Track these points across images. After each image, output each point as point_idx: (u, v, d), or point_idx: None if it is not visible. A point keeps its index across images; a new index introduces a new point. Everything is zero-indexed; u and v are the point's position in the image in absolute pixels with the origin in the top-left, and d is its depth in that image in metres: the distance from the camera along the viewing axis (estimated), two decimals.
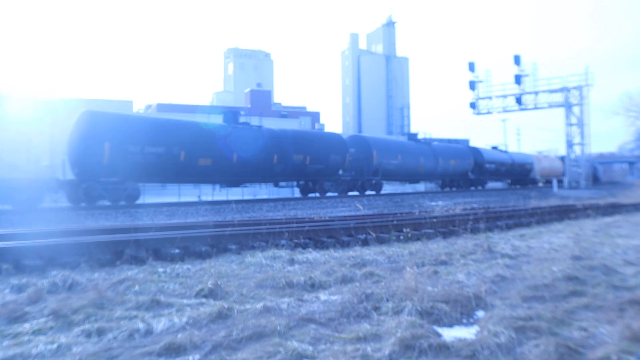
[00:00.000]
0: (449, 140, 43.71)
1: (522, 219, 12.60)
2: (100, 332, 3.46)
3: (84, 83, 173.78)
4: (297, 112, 58.11)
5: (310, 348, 3.17)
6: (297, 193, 28.45)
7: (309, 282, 4.99)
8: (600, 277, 5.17)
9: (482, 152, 38.50)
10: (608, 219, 12.76)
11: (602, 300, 4.27)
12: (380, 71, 74.36)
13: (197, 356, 3.03)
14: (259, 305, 4.05)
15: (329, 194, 25.11)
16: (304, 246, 7.84)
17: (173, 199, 24.88)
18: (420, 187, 40.66)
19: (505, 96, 42.21)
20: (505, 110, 43.09)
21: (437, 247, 7.65)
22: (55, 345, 3.18)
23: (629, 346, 3.10)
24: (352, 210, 17.02)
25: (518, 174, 43.78)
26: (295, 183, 25.45)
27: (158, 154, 18.09)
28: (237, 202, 19.75)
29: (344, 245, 8.22)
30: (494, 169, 39.50)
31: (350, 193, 26.66)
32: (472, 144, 44.13)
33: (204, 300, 4.37)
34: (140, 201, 21.85)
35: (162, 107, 46.77)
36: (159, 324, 3.61)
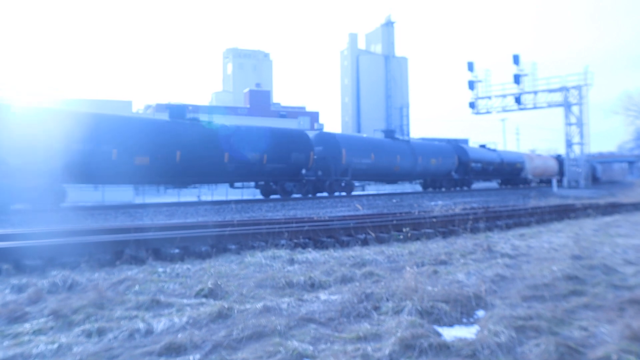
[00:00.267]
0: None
1: (521, 219, 12.60)
2: (101, 332, 3.46)
3: (83, 84, 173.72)
4: (296, 112, 58.14)
5: (311, 348, 3.17)
6: (257, 195, 26.44)
7: (308, 281, 4.99)
8: (600, 276, 5.17)
9: (467, 150, 36.73)
10: (608, 219, 12.77)
11: (602, 299, 4.27)
12: (379, 71, 74.40)
13: (198, 356, 3.03)
14: (259, 305, 4.05)
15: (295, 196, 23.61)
16: (304, 246, 7.84)
17: (172, 199, 24.88)
18: (407, 187, 38.78)
19: (504, 96, 42.28)
20: (504, 110, 43.19)
21: (436, 246, 7.65)
22: (55, 345, 3.18)
23: (629, 345, 3.10)
24: (351, 210, 17.02)
25: (508, 173, 42.23)
26: (254, 184, 23.89)
27: (84, 152, 16.12)
28: (236, 202, 19.75)
29: (344, 245, 8.23)
30: (481, 168, 37.72)
31: (319, 195, 24.95)
32: (472, 144, 43.57)
33: (204, 300, 4.37)
34: (139, 201, 21.88)
35: (161, 108, 46.75)
36: (159, 324, 3.60)
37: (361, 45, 78.44)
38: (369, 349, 3.11)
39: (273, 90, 71.48)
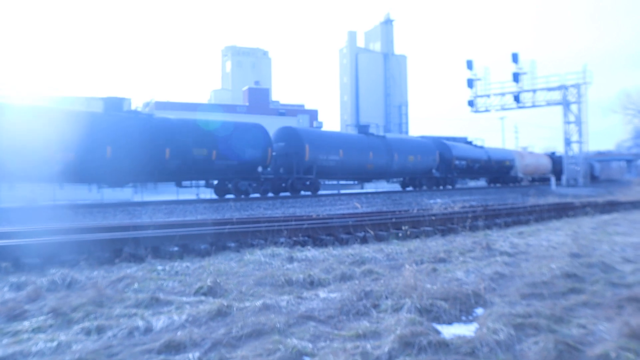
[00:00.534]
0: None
1: (520, 217, 12.61)
2: (100, 330, 3.46)
3: (82, 81, 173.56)
4: (295, 110, 58.10)
5: (310, 345, 3.17)
6: (203, 195, 24.46)
7: (308, 279, 5.00)
8: (599, 274, 5.18)
9: (450, 147, 34.61)
10: (606, 217, 12.79)
11: (600, 297, 4.28)
12: (378, 69, 74.41)
13: (197, 354, 3.03)
14: (259, 303, 4.05)
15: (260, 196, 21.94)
16: (303, 244, 7.85)
17: (171, 197, 24.84)
18: (385, 186, 35.32)
19: (503, 94, 42.31)
20: (503, 108, 43.22)
21: (435, 244, 7.66)
22: (54, 343, 3.18)
23: (628, 343, 3.11)
24: (350, 208, 17.03)
25: (496, 171, 40.21)
26: (204, 183, 21.71)
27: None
28: (235, 200, 19.74)
29: (343, 243, 8.23)
30: (465, 166, 35.53)
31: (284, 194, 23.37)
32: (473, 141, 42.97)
33: (203, 298, 4.37)
34: (137, 199, 21.73)
35: (160, 105, 46.72)
36: (159, 322, 3.61)
37: (360, 43, 78.43)
38: (368, 346, 3.12)
39: (272, 88, 71.50)
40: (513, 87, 41.61)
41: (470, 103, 43.77)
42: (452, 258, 6.36)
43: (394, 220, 9.87)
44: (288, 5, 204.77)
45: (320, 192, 25.93)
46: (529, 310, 3.79)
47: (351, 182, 32.83)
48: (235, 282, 4.95)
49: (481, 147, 39.82)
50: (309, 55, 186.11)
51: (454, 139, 39.75)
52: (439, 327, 3.56)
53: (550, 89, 40.13)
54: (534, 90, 40.96)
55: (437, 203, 17.27)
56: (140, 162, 18.00)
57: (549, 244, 7.48)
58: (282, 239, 7.78)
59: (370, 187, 35.45)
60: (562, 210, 14.51)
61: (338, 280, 5.09)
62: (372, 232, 8.83)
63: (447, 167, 33.62)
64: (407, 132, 68.94)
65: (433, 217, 10.50)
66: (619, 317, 3.59)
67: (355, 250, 6.95)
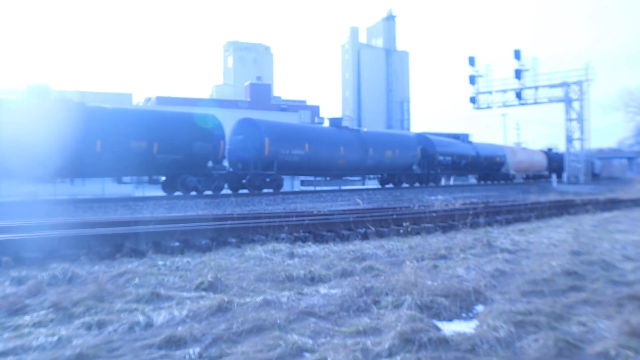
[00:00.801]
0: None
1: (521, 214, 12.60)
2: (101, 325, 3.46)
3: (84, 76, 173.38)
4: (296, 106, 58.01)
5: (310, 341, 3.17)
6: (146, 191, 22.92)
7: (308, 275, 5.00)
8: (599, 272, 5.18)
9: (433, 142, 32.69)
10: (607, 215, 12.78)
11: (601, 295, 4.28)
12: (380, 65, 74.23)
13: (198, 349, 3.04)
14: (259, 299, 4.06)
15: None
16: (304, 240, 7.85)
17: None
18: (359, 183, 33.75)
19: (505, 91, 42.23)
20: (505, 105, 43.14)
21: (436, 241, 7.65)
22: (55, 338, 3.19)
23: (628, 341, 3.11)
24: (351, 204, 17.03)
25: (485, 168, 38.58)
26: (147, 178, 20.35)
27: None
28: (236, 195, 19.73)
29: (344, 239, 8.23)
30: (451, 162, 33.57)
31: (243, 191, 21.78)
32: (472, 139, 42.71)
33: (204, 293, 4.38)
34: (139, 194, 21.63)
35: (161, 100, 46.69)
36: (159, 317, 3.61)
37: (362, 39, 78.24)
38: (369, 343, 3.12)
39: (274, 84, 71.40)
40: (515, 84, 41.53)
41: (472, 100, 43.68)
42: (453, 255, 6.36)
43: (395, 216, 9.86)
44: (290, 1, 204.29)
45: (293, 190, 24.61)
46: (529, 308, 3.79)
47: (316, 179, 30.79)
48: (236, 278, 4.96)
49: (469, 143, 38.23)
50: (311, 51, 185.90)
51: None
52: (439, 324, 3.56)
53: (552, 86, 40.05)
54: (536, 87, 40.88)
55: (438, 200, 17.27)
56: (68, 156, 16.20)
57: (549, 241, 7.48)
58: (283, 235, 7.78)
59: (347, 186, 33.65)
60: (563, 208, 14.50)
61: (339, 277, 5.09)
62: (373, 229, 8.82)
63: (429, 163, 31.74)
64: (408, 129, 68.84)
65: (434, 214, 10.49)
66: (619, 315, 3.59)
67: (356, 246, 6.95)
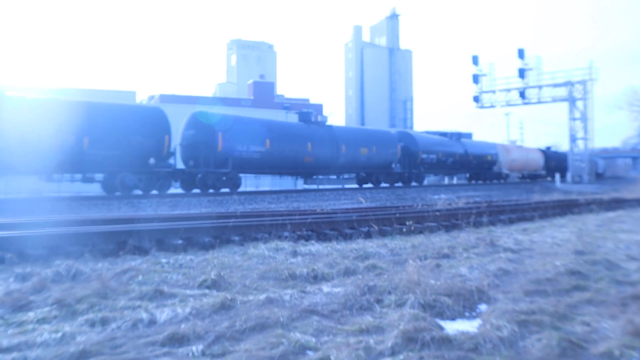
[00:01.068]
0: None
1: (524, 213, 12.58)
2: (104, 322, 3.47)
3: (87, 74, 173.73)
4: (300, 105, 57.99)
5: (313, 339, 3.17)
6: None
7: (311, 274, 5.00)
8: (603, 272, 5.16)
9: (416, 139, 30.89)
10: (611, 214, 12.73)
11: (604, 295, 4.27)
12: (384, 64, 74.13)
13: (201, 346, 3.04)
14: (262, 297, 4.06)
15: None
16: (307, 238, 7.85)
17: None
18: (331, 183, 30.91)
19: (508, 90, 42.09)
20: (508, 104, 43.00)
21: (439, 240, 7.64)
22: (59, 334, 3.19)
23: (631, 341, 3.10)
24: (354, 202, 17.03)
25: (475, 167, 36.74)
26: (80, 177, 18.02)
27: None
28: (239, 193, 19.74)
29: (347, 237, 8.23)
30: (436, 160, 31.68)
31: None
32: (475, 138, 42.43)
33: (207, 291, 4.38)
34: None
35: (164, 98, 46.75)
36: (162, 314, 3.62)
37: (366, 37, 78.12)
38: (372, 341, 3.12)
39: (277, 82, 71.36)
40: (518, 83, 41.37)
41: (476, 99, 43.55)
42: (456, 254, 6.35)
43: (397, 215, 9.86)
44: None
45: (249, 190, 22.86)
46: (532, 307, 3.78)
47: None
48: (239, 276, 4.96)
49: (457, 140, 36.33)
50: (314, 50, 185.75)
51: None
52: (442, 323, 3.56)
53: (556, 85, 39.90)
54: (540, 87, 40.72)
55: (442, 199, 17.25)
56: None
57: (553, 240, 7.46)
58: (286, 233, 7.79)
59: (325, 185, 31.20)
60: (566, 207, 14.46)
61: (342, 275, 5.09)
62: (376, 227, 8.82)
63: (411, 161, 29.93)
64: (412, 127, 68.73)
65: (437, 213, 10.48)
66: (623, 315, 3.58)
67: (359, 245, 6.94)
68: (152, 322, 3.51)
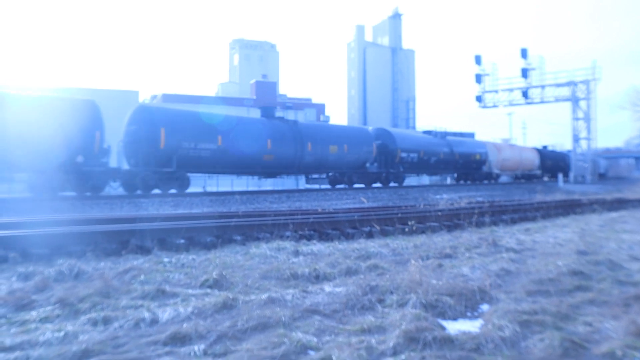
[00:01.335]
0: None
1: (527, 213, 12.56)
2: (106, 321, 3.48)
3: (90, 73, 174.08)
4: (302, 104, 58.02)
5: (315, 339, 3.18)
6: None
7: (313, 273, 5.00)
8: (606, 272, 5.15)
9: (394, 136, 28.61)
10: (614, 214, 12.71)
11: (607, 295, 4.26)
12: (386, 63, 74.11)
13: (202, 346, 3.05)
14: (264, 296, 4.06)
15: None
16: (309, 238, 7.85)
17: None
18: (290, 183, 29.39)
19: (511, 90, 42.03)
20: (511, 104, 42.94)
21: (441, 240, 7.64)
22: (61, 333, 3.20)
23: (634, 341, 3.09)
24: (356, 202, 17.02)
25: (462, 167, 34.46)
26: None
27: None
28: (241, 193, 19.74)
29: (349, 237, 8.23)
30: (417, 159, 29.47)
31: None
32: (478, 137, 42.17)
33: (209, 290, 4.39)
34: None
35: (167, 98, 46.80)
36: (165, 314, 3.62)
37: (368, 37, 78.11)
38: (373, 341, 3.12)
39: (279, 82, 71.42)
40: (521, 82, 41.33)
41: (478, 98, 43.51)
42: (458, 254, 6.35)
43: (400, 215, 9.85)
44: None
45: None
46: (534, 307, 3.78)
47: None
48: (241, 275, 4.97)
49: (442, 138, 34.06)
50: (316, 49, 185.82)
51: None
52: (444, 323, 3.56)
53: (558, 85, 39.83)
54: (543, 86, 40.66)
55: (444, 198, 17.24)
56: None
57: (555, 240, 7.45)
58: (288, 233, 7.79)
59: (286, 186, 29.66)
60: (569, 207, 14.43)
61: (343, 275, 5.09)
62: (378, 227, 8.82)
63: (389, 160, 27.77)
64: (414, 127, 68.70)
65: (439, 213, 10.47)
66: (626, 315, 3.57)
67: (361, 244, 6.94)
68: (154, 321, 3.51)
